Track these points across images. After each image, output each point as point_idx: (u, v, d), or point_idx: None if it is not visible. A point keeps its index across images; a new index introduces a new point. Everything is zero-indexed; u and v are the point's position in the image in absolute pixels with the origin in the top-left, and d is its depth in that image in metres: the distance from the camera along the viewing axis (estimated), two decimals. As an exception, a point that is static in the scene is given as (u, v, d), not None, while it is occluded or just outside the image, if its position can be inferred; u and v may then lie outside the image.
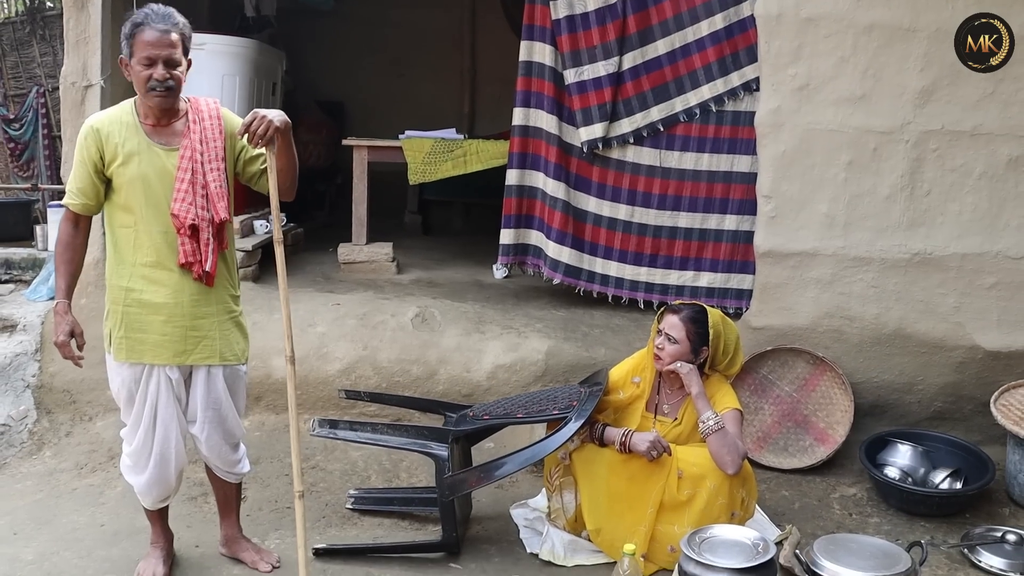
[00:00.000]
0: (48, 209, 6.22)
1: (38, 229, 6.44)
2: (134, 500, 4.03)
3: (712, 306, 4.92)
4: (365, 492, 4.17)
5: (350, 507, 4.06)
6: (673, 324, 3.73)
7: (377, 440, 3.80)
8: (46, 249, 6.14)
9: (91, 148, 3.21)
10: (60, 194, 6.32)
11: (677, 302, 3.94)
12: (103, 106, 5.09)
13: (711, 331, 3.70)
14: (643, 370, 3.88)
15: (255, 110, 3.21)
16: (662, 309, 3.86)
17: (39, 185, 7.70)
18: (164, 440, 3.35)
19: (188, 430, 3.43)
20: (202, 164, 3.27)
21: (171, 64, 3.16)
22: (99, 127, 3.21)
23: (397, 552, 3.75)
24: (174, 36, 3.16)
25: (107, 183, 3.25)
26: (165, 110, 3.23)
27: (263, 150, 3.30)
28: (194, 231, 3.25)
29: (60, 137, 5.64)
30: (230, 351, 3.42)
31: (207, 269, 3.29)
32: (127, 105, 3.29)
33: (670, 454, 3.58)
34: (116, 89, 5.30)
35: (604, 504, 3.66)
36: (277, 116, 3.18)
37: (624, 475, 3.63)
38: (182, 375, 3.36)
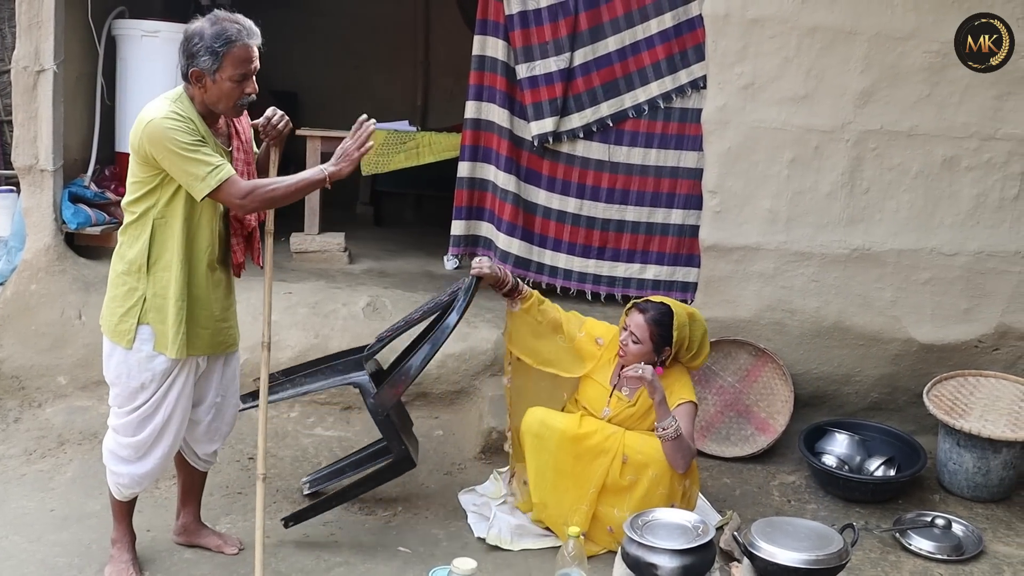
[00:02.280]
0: (-3, 195, 6.15)
1: (-14, 214, 6.38)
2: (84, 486, 4.07)
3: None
4: (316, 474, 4.20)
5: (307, 493, 4.10)
6: (638, 324, 3.79)
7: (300, 392, 3.90)
8: (-6, 234, 6.08)
9: (194, 131, 3.07)
10: (8, 180, 6.26)
11: (643, 300, 3.96)
12: (55, 91, 5.08)
13: (675, 333, 3.76)
14: (610, 341, 3.95)
15: (275, 108, 3.31)
16: (630, 304, 3.91)
17: (-14, 170, 7.59)
18: (178, 431, 3.35)
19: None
20: (249, 165, 3.35)
21: (253, 75, 3.17)
22: (188, 115, 3.09)
23: (360, 491, 3.85)
24: (257, 48, 3.14)
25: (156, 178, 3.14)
26: (217, 113, 3.21)
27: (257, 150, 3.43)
28: (251, 231, 3.35)
29: (10, 122, 5.58)
30: (238, 336, 3.52)
31: (259, 264, 3.44)
32: (183, 101, 3.14)
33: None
34: (69, 75, 5.29)
35: (550, 479, 3.74)
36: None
37: (572, 453, 3.71)
38: (206, 363, 3.40)
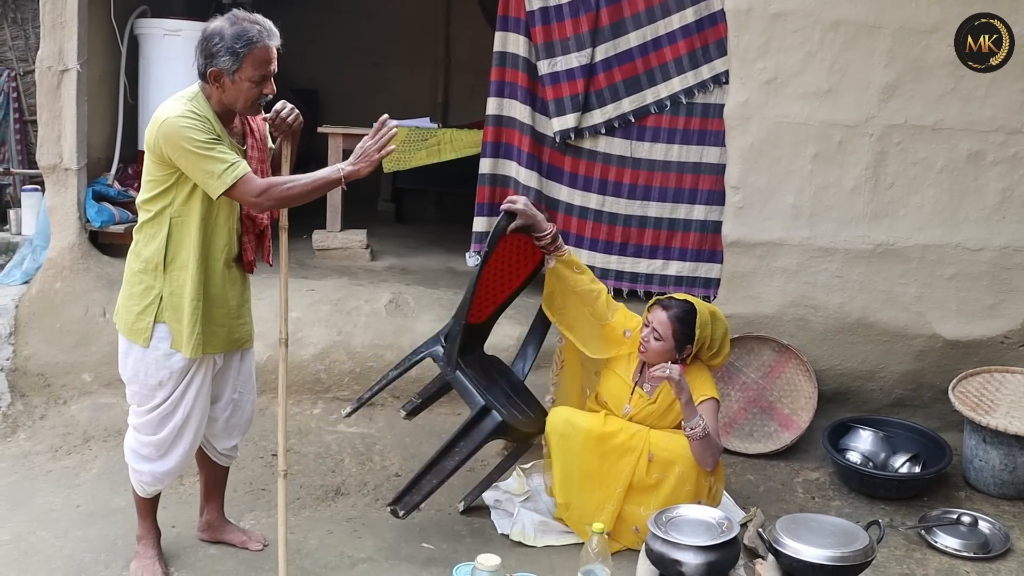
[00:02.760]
0: (22, 193, 6.20)
1: (11, 213, 6.42)
2: (109, 482, 4.10)
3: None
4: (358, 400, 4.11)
5: (349, 411, 4.06)
6: (660, 321, 3.76)
7: (388, 378, 4.03)
8: (19, 233, 6.13)
9: (210, 129, 3.09)
10: (33, 179, 6.32)
11: (665, 296, 3.93)
12: (79, 91, 5.11)
13: (697, 331, 3.74)
14: (635, 336, 3.89)
15: (285, 101, 3.31)
16: (653, 300, 3.89)
17: (11, 169, 7.65)
18: (198, 429, 3.37)
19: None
20: (263, 163, 3.36)
21: (272, 76, 3.18)
22: (205, 114, 3.10)
23: (455, 461, 3.73)
24: (276, 48, 3.15)
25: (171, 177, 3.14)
26: (233, 112, 3.23)
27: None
28: (262, 229, 3.36)
29: (34, 121, 5.62)
30: (254, 332, 3.54)
31: (269, 263, 3.47)
32: (200, 100, 3.15)
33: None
34: (92, 74, 5.32)
35: (576, 479, 3.74)
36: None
37: (597, 452, 3.70)
38: (223, 360, 3.43)
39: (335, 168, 3.21)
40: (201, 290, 3.21)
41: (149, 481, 3.40)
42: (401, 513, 3.70)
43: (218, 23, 3.11)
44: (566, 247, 3.97)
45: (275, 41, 3.14)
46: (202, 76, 3.14)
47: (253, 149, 3.32)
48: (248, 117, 3.33)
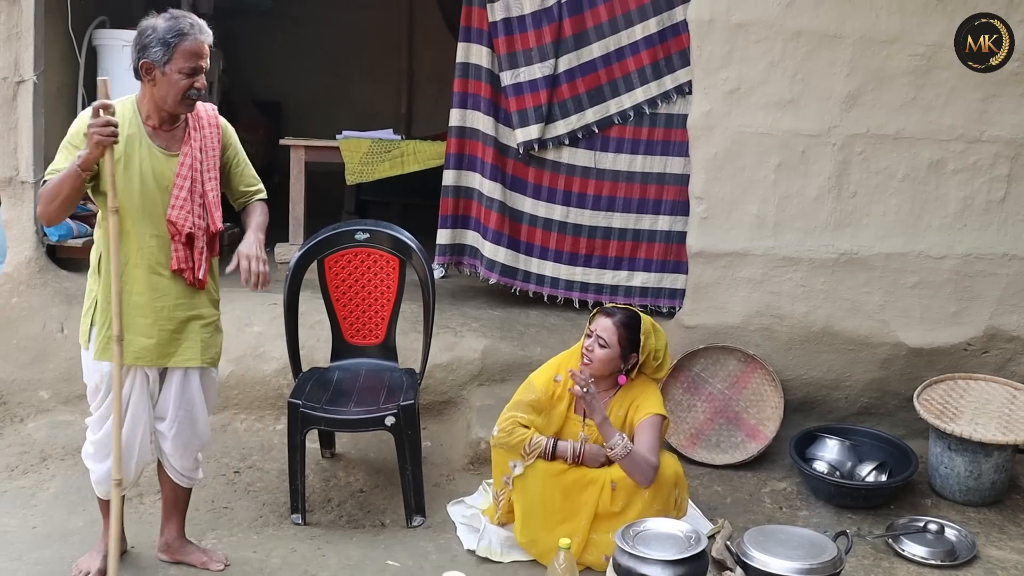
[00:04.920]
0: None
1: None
2: (67, 502, 4.02)
3: (646, 305, 5.05)
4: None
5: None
6: (605, 327, 3.72)
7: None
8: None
9: (80, 132, 3.12)
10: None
11: (610, 305, 3.94)
12: (36, 102, 5.03)
13: (642, 337, 3.72)
14: (565, 373, 3.83)
15: (246, 253, 3.29)
16: (595, 311, 3.86)
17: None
18: (131, 435, 3.34)
19: (155, 427, 3.44)
20: (201, 173, 3.30)
21: (203, 72, 3.20)
22: (122, 114, 3.15)
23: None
24: (208, 46, 3.19)
25: (92, 179, 3.15)
26: (174, 115, 3.24)
27: (250, 178, 3.58)
28: (189, 239, 3.27)
29: (-11, 134, 5.53)
30: (207, 354, 3.44)
31: (199, 276, 3.33)
32: (128, 102, 3.24)
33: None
34: (49, 86, 5.24)
35: (540, 517, 3.65)
36: (261, 255, 3.33)
37: (559, 488, 3.64)
38: (158, 373, 3.38)
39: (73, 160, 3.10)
40: (115, 295, 3.19)
41: (95, 480, 3.46)
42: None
43: (152, 19, 3.19)
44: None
45: (207, 37, 3.19)
46: (136, 72, 3.19)
47: (186, 156, 3.27)
48: (198, 124, 3.31)
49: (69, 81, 5.66)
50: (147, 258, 3.25)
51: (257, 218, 3.53)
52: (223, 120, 3.45)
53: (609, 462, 3.60)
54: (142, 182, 3.21)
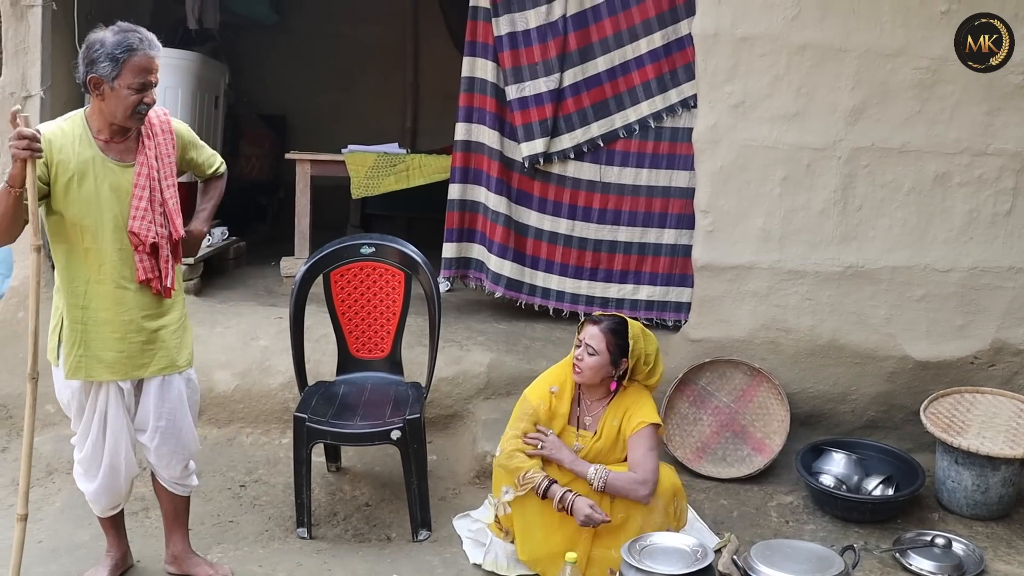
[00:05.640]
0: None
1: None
2: (73, 516, 4.01)
3: (651, 318, 5.04)
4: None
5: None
6: (593, 335, 3.70)
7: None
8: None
9: (63, 147, 3.12)
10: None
11: (597, 313, 3.93)
12: (43, 117, 5.04)
13: (631, 342, 3.69)
14: (562, 381, 3.83)
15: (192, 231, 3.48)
16: (583, 320, 3.85)
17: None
18: (114, 451, 3.34)
19: (137, 439, 3.43)
20: (159, 181, 3.27)
21: (153, 87, 3.17)
22: (51, 137, 3.09)
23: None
24: (159, 61, 3.16)
25: (44, 197, 3.13)
26: (125, 128, 3.21)
27: (212, 158, 3.61)
28: (154, 248, 3.25)
29: (-4, 150, 5.55)
30: (182, 357, 3.44)
31: (167, 284, 3.31)
32: (77, 118, 3.20)
33: (608, 521, 3.54)
34: (56, 100, 5.25)
35: (539, 535, 3.63)
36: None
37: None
38: (132, 385, 3.36)
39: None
40: (76, 312, 3.22)
41: (89, 499, 3.46)
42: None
43: (101, 32, 3.13)
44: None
45: (156, 52, 3.15)
46: (83, 86, 3.15)
47: (142, 166, 3.23)
48: (151, 132, 3.28)
49: (75, 96, 5.66)
50: (110, 273, 3.22)
51: (214, 199, 3.67)
52: (176, 122, 3.42)
53: (594, 525, 3.53)
54: (99, 198, 3.16)
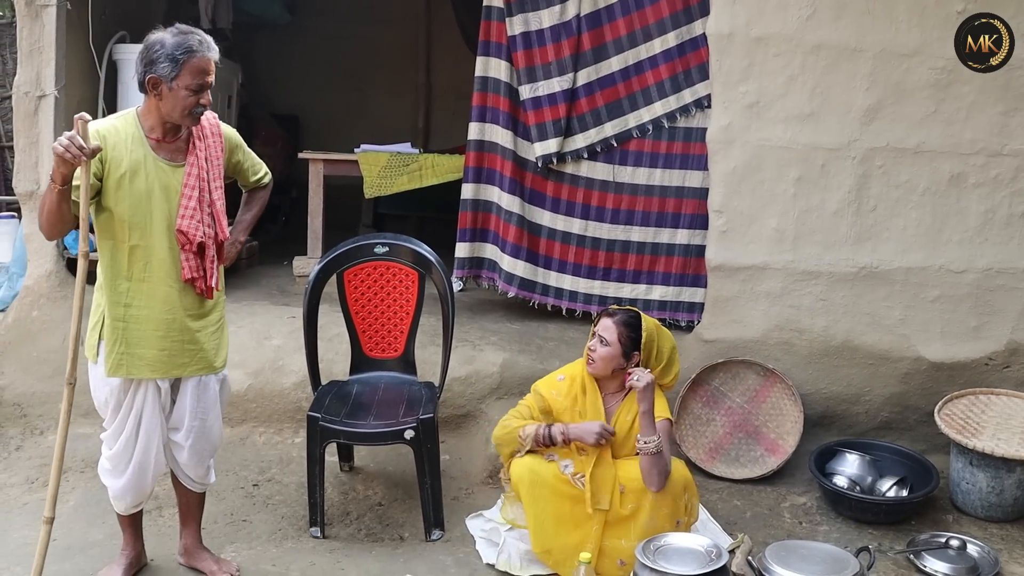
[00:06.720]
0: (-2, 221, 6.14)
1: (-13, 241, 6.35)
2: (87, 514, 4.03)
3: (664, 319, 5.04)
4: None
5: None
6: (606, 327, 3.74)
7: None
8: (-4, 260, 6.06)
9: (116, 144, 3.16)
10: (9, 206, 6.26)
11: (613, 307, 3.96)
12: (57, 116, 5.07)
13: (644, 335, 3.72)
14: (574, 376, 3.86)
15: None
16: (598, 314, 3.87)
17: (-13, 196, 7.59)
18: (145, 449, 3.35)
19: (170, 438, 3.44)
20: (208, 182, 3.31)
21: (209, 88, 3.21)
22: (105, 133, 3.13)
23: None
24: (215, 63, 3.20)
25: (96, 195, 3.17)
26: (177, 128, 3.24)
27: (257, 165, 3.65)
28: (200, 248, 3.28)
29: (11, 148, 5.57)
30: (219, 359, 3.47)
31: (211, 284, 3.34)
32: (129, 116, 3.24)
33: (613, 435, 3.63)
34: (70, 100, 5.27)
35: (551, 525, 3.63)
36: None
37: (568, 496, 3.63)
38: (169, 384, 3.39)
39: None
40: (119, 309, 3.23)
41: (113, 495, 3.46)
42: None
43: (160, 33, 3.16)
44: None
45: (214, 54, 3.19)
46: (141, 86, 3.18)
47: (192, 167, 3.27)
48: (202, 134, 3.32)
49: (89, 95, 5.70)
50: (156, 271, 3.25)
51: (254, 209, 3.75)
52: (225, 126, 3.47)
53: (602, 441, 3.59)
54: (150, 196, 3.21)
